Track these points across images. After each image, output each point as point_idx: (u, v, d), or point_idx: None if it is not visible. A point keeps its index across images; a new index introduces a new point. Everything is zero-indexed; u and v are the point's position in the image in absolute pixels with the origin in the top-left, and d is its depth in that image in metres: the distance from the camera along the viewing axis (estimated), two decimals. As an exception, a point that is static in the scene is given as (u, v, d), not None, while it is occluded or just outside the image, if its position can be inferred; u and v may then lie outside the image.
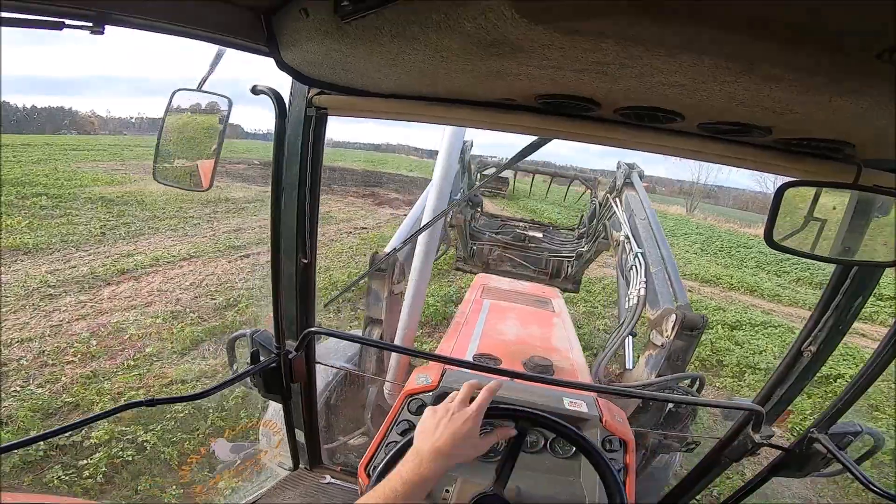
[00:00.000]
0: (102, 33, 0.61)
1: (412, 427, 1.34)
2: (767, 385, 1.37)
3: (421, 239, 2.08)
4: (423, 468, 0.80)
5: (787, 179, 0.80)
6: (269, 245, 1.18)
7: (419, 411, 1.40)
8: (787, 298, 10.96)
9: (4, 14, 0.55)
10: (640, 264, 2.46)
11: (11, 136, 27.31)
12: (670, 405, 1.95)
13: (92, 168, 16.92)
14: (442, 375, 1.52)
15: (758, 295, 11.06)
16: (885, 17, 0.37)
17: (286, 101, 1.07)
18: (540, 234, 5.20)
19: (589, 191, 5.45)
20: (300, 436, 1.67)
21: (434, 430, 0.86)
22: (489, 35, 0.55)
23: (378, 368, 2.32)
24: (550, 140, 1.11)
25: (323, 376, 2.17)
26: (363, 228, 12.17)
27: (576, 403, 1.45)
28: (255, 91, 0.98)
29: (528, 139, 1.15)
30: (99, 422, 1.33)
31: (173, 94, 1.01)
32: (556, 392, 1.48)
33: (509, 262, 4.71)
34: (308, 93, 1.08)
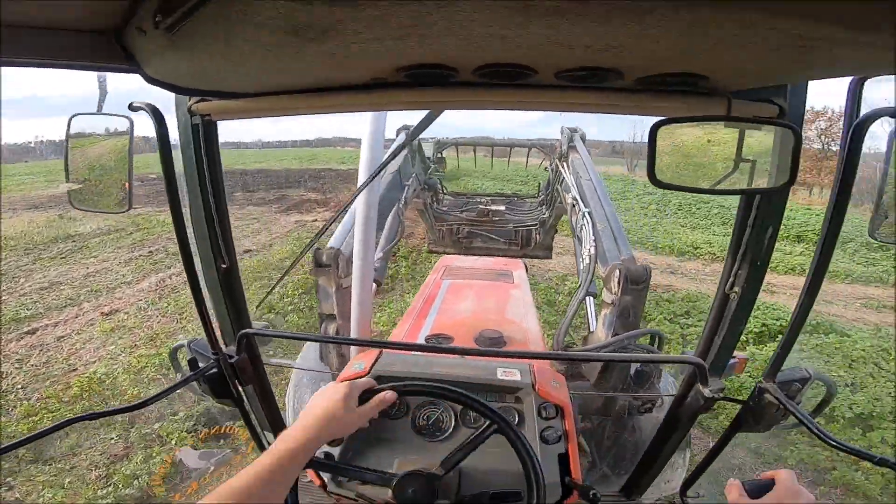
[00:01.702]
0: None
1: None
2: (703, 337, 1.34)
3: (357, 229, 1.93)
4: (290, 441, 0.88)
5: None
6: (181, 256, 1.16)
7: None
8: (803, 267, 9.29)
9: None
10: (589, 223, 2.53)
11: None
12: (637, 365, 1.98)
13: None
14: (375, 360, 1.48)
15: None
16: None
17: (174, 111, 1.09)
18: (503, 207, 5.08)
19: (547, 158, 5.35)
20: (270, 437, 1.66)
21: (310, 407, 0.97)
22: (287, 23, 0.56)
23: (341, 363, 2.21)
24: (441, 112, 1.21)
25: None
26: (248, 251, 9.53)
27: (509, 372, 1.44)
28: (132, 108, 0.99)
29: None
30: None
31: (71, 119, 1.02)
32: (493, 364, 1.48)
33: (479, 238, 4.70)
34: (188, 101, 1.07)
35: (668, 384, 2.08)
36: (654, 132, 0.80)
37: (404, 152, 3.93)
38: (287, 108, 1.03)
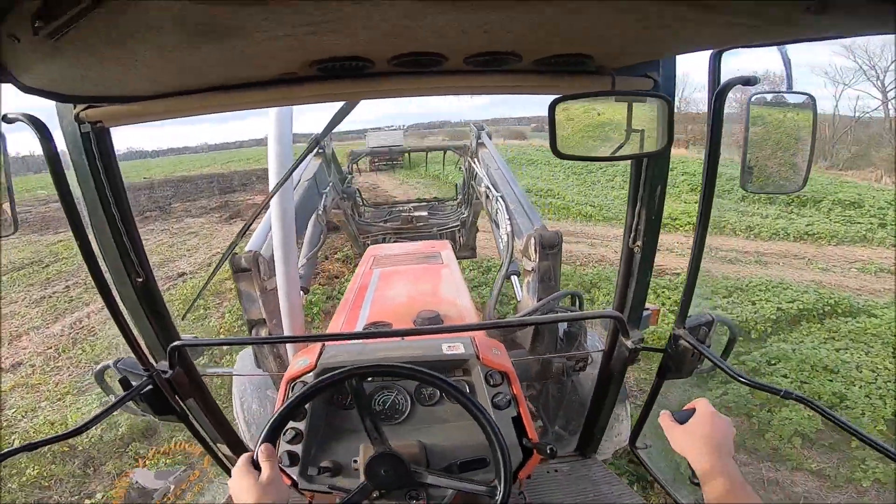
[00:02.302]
0: None
1: (304, 412, 1.33)
2: (617, 292, 1.42)
3: (275, 227, 1.86)
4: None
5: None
6: (89, 272, 1.10)
7: None
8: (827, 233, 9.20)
9: None
10: (502, 205, 2.73)
11: None
12: (563, 327, 2.07)
13: None
14: (320, 354, 1.48)
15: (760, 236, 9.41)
16: None
17: (56, 121, 1.03)
18: (426, 213, 5.31)
19: (461, 158, 5.56)
20: (224, 449, 1.63)
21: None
22: (186, 23, 0.54)
23: (280, 366, 2.19)
24: (355, 105, 1.24)
25: None
26: (182, 275, 8.63)
27: (453, 346, 1.47)
28: (6, 120, 0.89)
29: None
30: None
31: None
32: (437, 340, 1.51)
33: None
34: (74, 109, 1.02)
35: (596, 341, 2.18)
36: (552, 109, 0.87)
37: (314, 160, 4.02)
38: (189, 108, 0.99)
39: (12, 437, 4.14)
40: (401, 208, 5.81)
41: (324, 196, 3.93)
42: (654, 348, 1.42)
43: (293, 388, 1.40)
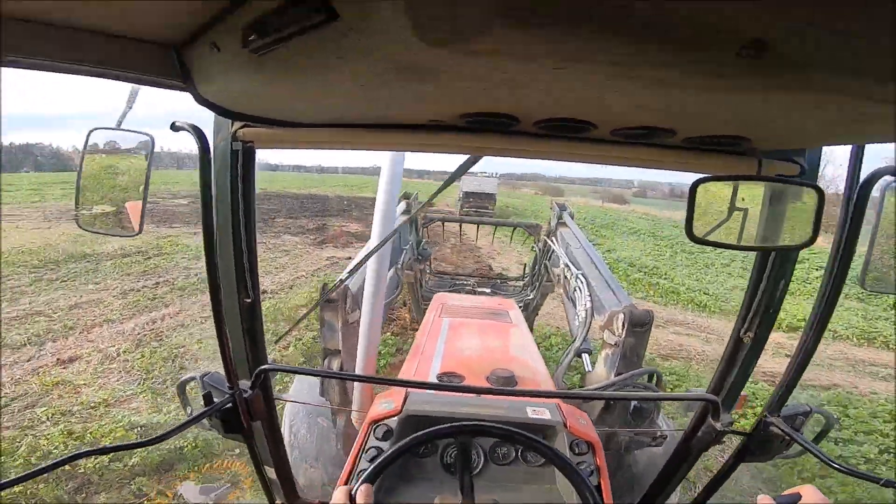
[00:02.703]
0: None
1: (380, 453, 1.37)
2: (716, 375, 1.41)
3: (370, 265, 1.98)
4: None
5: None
6: (209, 286, 1.13)
7: (385, 437, 1.44)
8: None
9: None
10: (583, 282, 2.69)
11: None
12: (634, 402, 2.03)
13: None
14: (405, 399, 1.52)
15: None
16: (733, 13, 0.39)
17: (211, 134, 1.05)
18: (488, 290, 5.17)
19: (532, 237, 5.41)
20: (271, 472, 1.63)
21: None
22: (399, 61, 0.56)
23: (343, 399, 2.27)
24: (480, 158, 1.19)
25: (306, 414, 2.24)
26: (263, 292, 8.48)
27: (538, 411, 1.47)
28: (174, 128, 0.94)
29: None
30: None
31: (89, 133, 0.98)
32: (520, 403, 1.53)
33: None
34: (232, 126, 1.05)
35: (662, 420, 2.17)
36: (693, 189, 0.84)
37: (403, 216, 3.88)
38: (338, 141, 1.02)
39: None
40: (464, 281, 5.76)
41: (403, 252, 3.90)
42: (739, 432, 1.37)
43: (374, 430, 1.45)
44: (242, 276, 1.22)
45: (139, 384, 4.91)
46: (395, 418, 1.45)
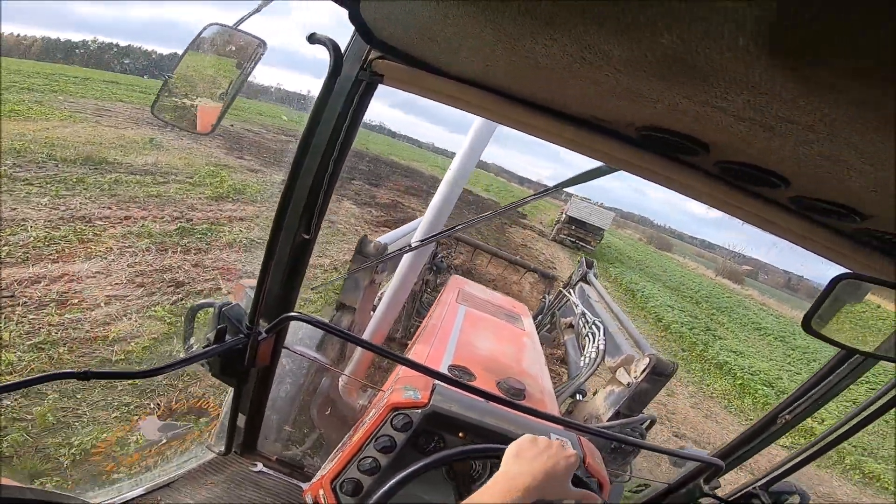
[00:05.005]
0: None
1: (394, 445, 1.28)
2: (733, 441, 1.41)
3: (416, 236, 1.94)
4: (511, 494, 0.79)
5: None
6: (276, 213, 1.07)
7: (404, 428, 1.32)
8: None
9: None
10: (599, 327, 2.75)
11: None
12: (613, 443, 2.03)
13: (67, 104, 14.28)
14: (431, 392, 1.39)
15: None
16: None
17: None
18: None
19: (543, 285, 5.31)
20: (241, 420, 1.58)
21: (533, 459, 0.85)
22: (689, 57, 0.46)
23: (337, 358, 2.19)
24: (615, 171, 1.02)
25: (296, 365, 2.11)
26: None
27: (561, 440, 1.32)
28: (311, 40, 0.92)
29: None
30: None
31: (206, 27, 0.98)
32: (540, 426, 1.44)
33: None
34: (368, 54, 1.00)
35: (634, 462, 2.13)
36: (834, 283, 0.76)
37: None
38: (481, 107, 0.95)
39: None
40: None
41: (431, 254, 3.87)
42: (722, 498, 1.38)
43: (394, 418, 1.33)
44: (311, 210, 1.17)
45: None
46: (419, 411, 1.33)
